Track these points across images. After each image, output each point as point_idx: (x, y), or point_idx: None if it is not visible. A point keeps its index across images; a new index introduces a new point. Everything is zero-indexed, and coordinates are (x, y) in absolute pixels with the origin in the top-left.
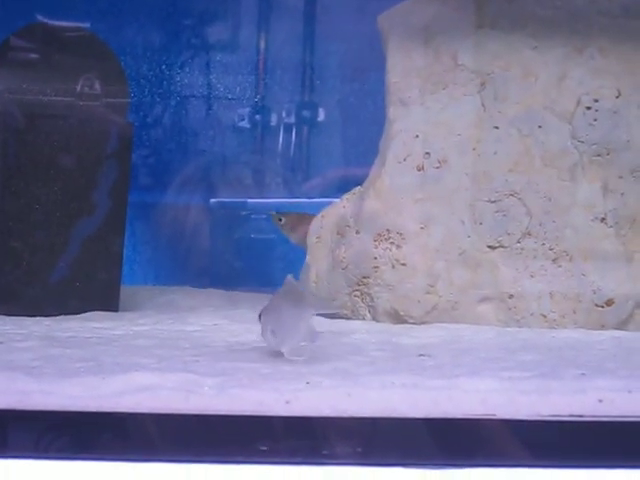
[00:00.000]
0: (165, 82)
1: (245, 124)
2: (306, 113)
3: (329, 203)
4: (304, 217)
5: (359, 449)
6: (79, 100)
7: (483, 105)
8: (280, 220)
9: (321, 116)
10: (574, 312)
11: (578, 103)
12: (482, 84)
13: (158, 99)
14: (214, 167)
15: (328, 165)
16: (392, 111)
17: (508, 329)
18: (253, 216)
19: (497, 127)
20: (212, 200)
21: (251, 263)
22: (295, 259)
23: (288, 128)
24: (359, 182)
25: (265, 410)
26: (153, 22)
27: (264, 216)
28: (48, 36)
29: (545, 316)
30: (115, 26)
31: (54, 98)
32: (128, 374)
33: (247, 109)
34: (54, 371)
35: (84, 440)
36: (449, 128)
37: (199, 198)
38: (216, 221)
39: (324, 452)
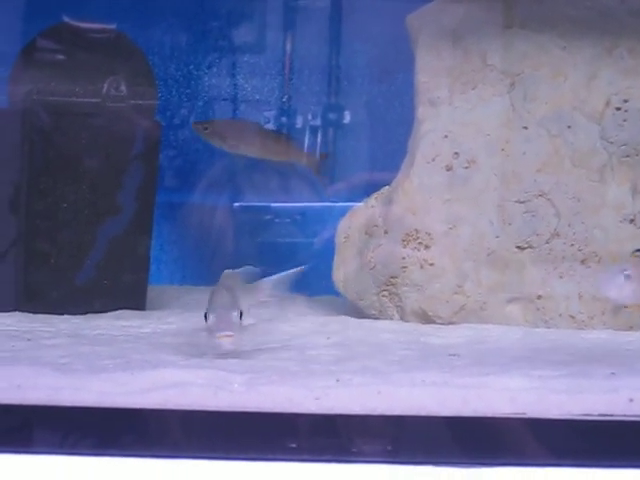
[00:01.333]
0: (193, 82)
1: (271, 126)
2: (333, 115)
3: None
4: (234, 122)
5: (389, 447)
6: (107, 100)
7: (512, 105)
8: (206, 129)
9: (348, 118)
10: (602, 313)
11: (607, 104)
12: (511, 84)
13: (185, 99)
14: (241, 169)
15: (355, 167)
16: (421, 111)
17: (536, 330)
18: (277, 220)
19: (526, 127)
20: (238, 202)
21: (276, 265)
22: (320, 261)
23: (314, 130)
24: (386, 184)
25: (295, 407)
26: (181, 23)
27: (288, 220)
28: (75, 36)
29: (573, 317)
30: (143, 26)
31: (82, 98)
32: (157, 370)
33: (274, 111)
34: (83, 367)
35: (113, 436)
36: (478, 128)
37: (225, 199)
38: (242, 223)
39: (353, 450)
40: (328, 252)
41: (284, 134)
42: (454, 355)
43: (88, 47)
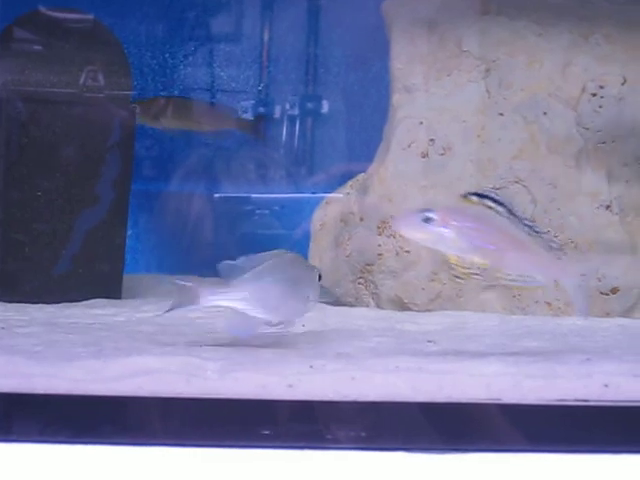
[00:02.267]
0: (168, 71)
1: (248, 116)
2: (309, 104)
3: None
4: (160, 100)
5: (363, 433)
6: (82, 89)
7: (488, 92)
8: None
9: (325, 107)
10: None
11: (583, 90)
12: (487, 70)
13: (161, 88)
14: (218, 159)
15: (331, 157)
16: (396, 98)
17: (512, 317)
18: (256, 210)
19: (502, 114)
20: (215, 191)
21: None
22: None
23: (291, 119)
24: (362, 172)
25: (267, 394)
26: (157, 11)
27: (267, 210)
28: (51, 24)
29: (550, 304)
30: (119, 15)
31: (56, 87)
32: (130, 358)
33: (249, 101)
34: (56, 355)
35: (85, 423)
36: (454, 115)
37: (202, 188)
38: (219, 212)
39: (327, 436)
40: (307, 242)
41: (215, 104)
42: (430, 342)
43: (63, 35)
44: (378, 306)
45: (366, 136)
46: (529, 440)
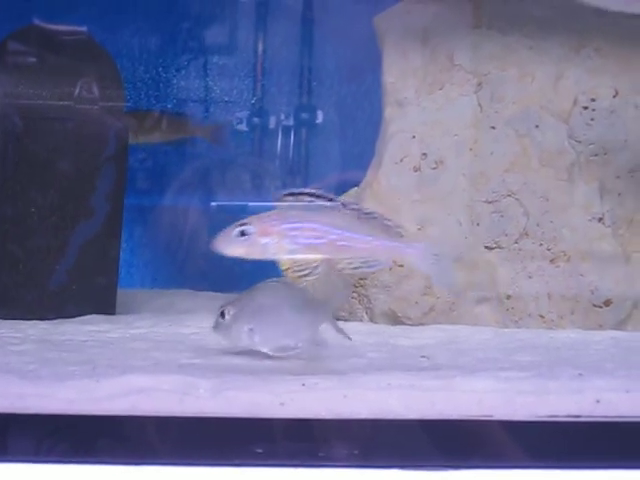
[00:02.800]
0: (161, 84)
1: (243, 127)
2: (304, 115)
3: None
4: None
5: (356, 451)
6: (76, 103)
7: (480, 105)
8: None
9: (319, 118)
10: (572, 312)
11: (575, 103)
12: (479, 84)
13: (154, 101)
14: (212, 170)
15: (323, 168)
16: (388, 112)
17: (506, 330)
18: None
19: (494, 127)
20: (208, 203)
21: (249, 267)
22: None
23: (285, 131)
24: (356, 184)
25: (260, 412)
26: (150, 24)
27: None
28: (44, 39)
29: (543, 317)
30: (112, 28)
31: (50, 101)
32: (123, 377)
33: (244, 112)
34: (49, 374)
35: (79, 443)
36: (446, 128)
37: (197, 201)
38: (214, 224)
39: (320, 454)
40: None
41: (175, 113)
42: (423, 357)
43: (56, 50)
44: (372, 320)
45: (358, 148)
46: (521, 456)
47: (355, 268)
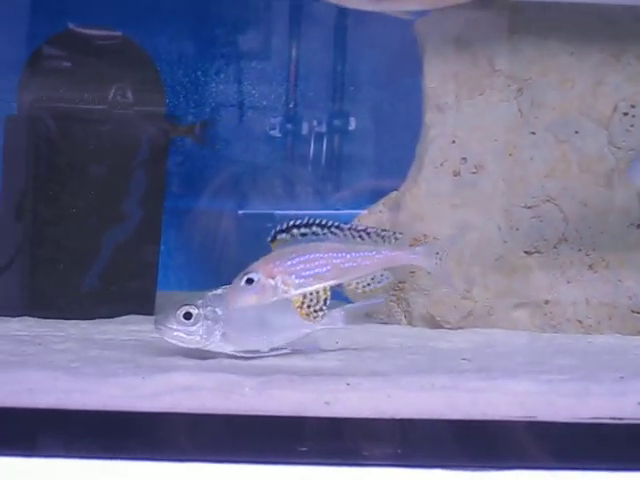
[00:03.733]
0: (200, 89)
1: (277, 133)
2: (340, 121)
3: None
4: None
5: (399, 450)
6: (114, 107)
7: (520, 111)
8: None
9: (354, 124)
10: (610, 318)
11: (615, 109)
12: (519, 90)
13: (193, 105)
14: (247, 175)
15: (355, 174)
16: (429, 116)
17: (544, 334)
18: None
19: (534, 133)
20: (243, 208)
21: None
22: None
23: (321, 137)
24: (391, 191)
25: (305, 411)
26: (188, 29)
27: None
28: (82, 43)
29: (581, 322)
30: (150, 32)
31: (89, 105)
32: (167, 374)
33: (280, 117)
34: (94, 371)
35: (124, 439)
36: (486, 133)
37: (232, 205)
38: (248, 228)
39: (364, 453)
40: None
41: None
42: (463, 359)
43: (95, 54)
44: (410, 323)
45: (392, 154)
46: (563, 458)
47: (365, 286)
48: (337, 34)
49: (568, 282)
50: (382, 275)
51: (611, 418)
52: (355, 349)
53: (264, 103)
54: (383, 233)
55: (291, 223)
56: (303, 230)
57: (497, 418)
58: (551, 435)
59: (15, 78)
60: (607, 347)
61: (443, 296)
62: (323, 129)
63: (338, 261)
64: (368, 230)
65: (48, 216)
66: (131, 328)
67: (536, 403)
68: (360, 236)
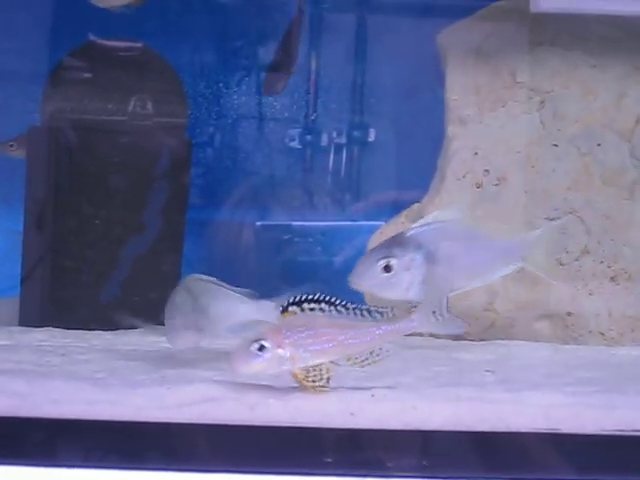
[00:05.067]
0: (221, 100)
1: (298, 144)
2: (355, 133)
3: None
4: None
5: (424, 462)
6: (137, 118)
7: (542, 123)
8: (11, 147)
9: (375, 136)
10: (632, 330)
11: (637, 121)
12: (541, 102)
13: (214, 117)
14: (265, 187)
15: (382, 185)
16: (451, 129)
17: (566, 347)
18: (296, 239)
19: (556, 145)
20: (263, 220)
21: (299, 282)
22: (340, 280)
23: (341, 149)
24: (406, 203)
25: (330, 422)
26: (208, 41)
27: (310, 239)
28: (104, 54)
29: (603, 334)
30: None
31: (112, 116)
32: (192, 385)
33: (300, 129)
34: (119, 382)
35: (150, 450)
36: (508, 146)
37: (251, 217)
38: (268, 240)
39: (389, 464)
40: (349, 270)
41: None
42: (488, 371)
43: (118, 65)
44: (432, 335)
45: (412, 166)
46: (588, 470)
47: (363, 361)
48: (358, 46)
49: (590, 294)
50: (380, 349)
51: (634, 430)
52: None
53: (284, 115)
54: (382, 310)
55: (303, 297)
56: (312, 305)
57: (523, 430)
58: (576, 447)
59: (39, 89)
60: (630, 360)
61: (465, 308)
62: (345, 140)
63: (342, 337)
64: (370, 308)
65: (71, 226)
66: (153, 339)
67: (561, 415)
68: (362, 314)
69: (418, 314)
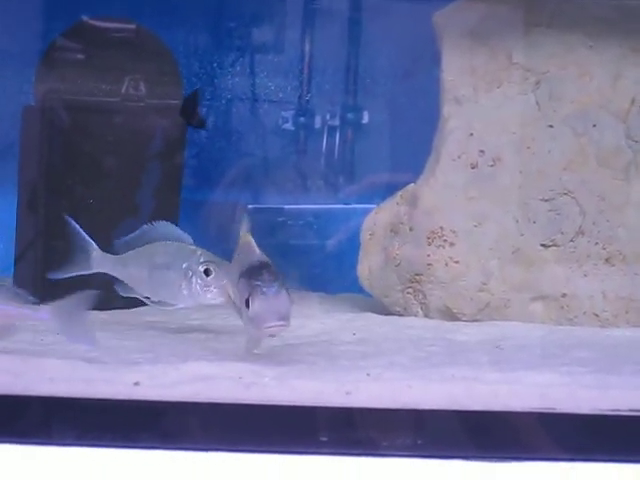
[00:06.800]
0: (215, 81)
1: (291, 126)
2: (349, 115)
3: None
4: None
5: (419, 441)
6: (131, 98)
7: (538, 104)
8: None
9: (371, 118)
10: (627, 312)
11: (633, 102)
12: (537, 83)
13: (208, 97)
14: (259, 169)
15: (378, 168)
16: (446, 109)
17: (561, 327)
18: (290, 221)
19: (552, 126)
20: (256, 202)
21: (296, 264)
22: (334, 263)
23: (335, 131)
24: (400, 186)
25: (325, 401)
26: (201, 22)
27: (301, 222)
28: (98, 34)
29: (598, 315)
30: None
31: (106, 97)
32: (187, 364)
33: (293, 110)
34: (114, 361)
35: (144, 428)
36: (503, 126)
37: (244, 200)
38: (260, 223)
39: (384, 444)
40: (342, 253)
41: None
42: (481, 351)
43: (111, 45)
44: (426, 316)
45: (406, 148)
46: (584, 449)
47: None
48: (353, 26)
49: (585, 275)
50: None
51: (631, 410)
52: (373, 341)
53: (278, 96)
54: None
55: None
56: None
57: (518, 410)
58: (572, 427)
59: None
60: (625, 340)
61: (460, 289)
62: (339, 122)
63: None
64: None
65: (64, 206)
66: (149, 319)
67: (557, 395)
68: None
69: (53, 309)
